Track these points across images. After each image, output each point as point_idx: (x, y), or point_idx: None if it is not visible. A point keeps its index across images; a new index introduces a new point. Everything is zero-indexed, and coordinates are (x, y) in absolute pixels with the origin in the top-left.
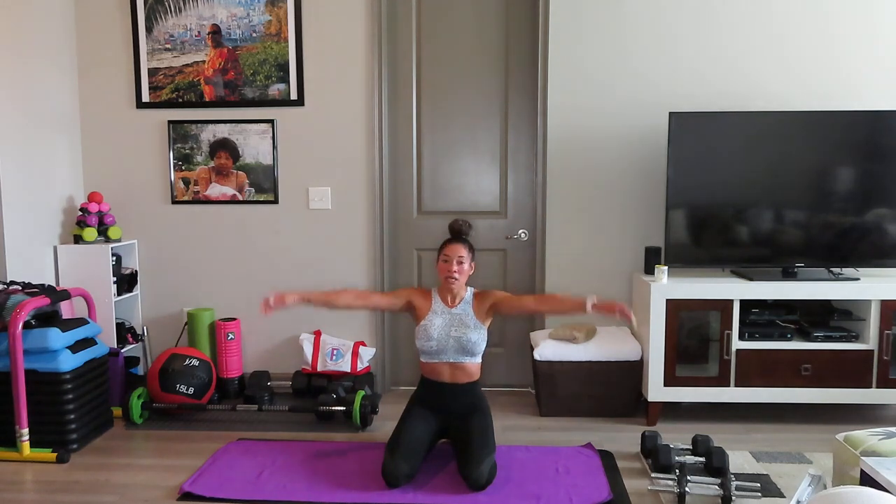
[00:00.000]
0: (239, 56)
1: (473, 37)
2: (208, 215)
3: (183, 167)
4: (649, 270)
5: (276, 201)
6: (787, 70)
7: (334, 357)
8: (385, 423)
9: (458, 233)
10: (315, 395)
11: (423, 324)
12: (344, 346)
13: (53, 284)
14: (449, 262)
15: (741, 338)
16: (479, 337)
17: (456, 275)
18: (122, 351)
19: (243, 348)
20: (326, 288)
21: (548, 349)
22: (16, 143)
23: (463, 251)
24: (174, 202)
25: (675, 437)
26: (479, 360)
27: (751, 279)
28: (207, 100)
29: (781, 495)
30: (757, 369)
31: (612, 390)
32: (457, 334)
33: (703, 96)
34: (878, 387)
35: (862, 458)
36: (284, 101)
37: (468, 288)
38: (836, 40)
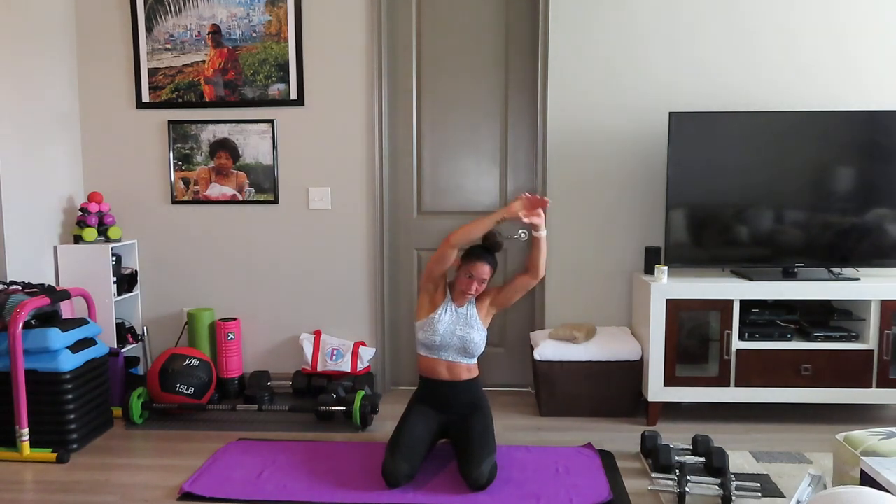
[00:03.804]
0: (239, 56)
1: (473, 37)
2: (208, 215)
3: (183, 167)
4: (649, 270)
5: (276, 201)
6: (795, 68)
7: (334, 357)
8: (385, 423)
9: (490, 250)
10: (315, 395)
11: (432, 317)
12: (344, 346)
13: (53, 284)
14: (472, 280)
15: (741, 338)
16: (480, 339)
17: (473, 292)
18: (122, 351)
19: (243, 348)
20: (326, 287)
21: (548, 349)
22: (16, 143)
23: (487, 273)
24: (174, 202)
25: (675, 437)
26: (474, 362)
27: (751, 279)
28: (207, 100)
29: (781, 495)
30: (757, 369)
31: (612, 390)
32: (461, 334)
33: (705, 96)
34: (878, 387)
35: (862, 458)
36: (284, 101)
37: None
38: (844, 39)
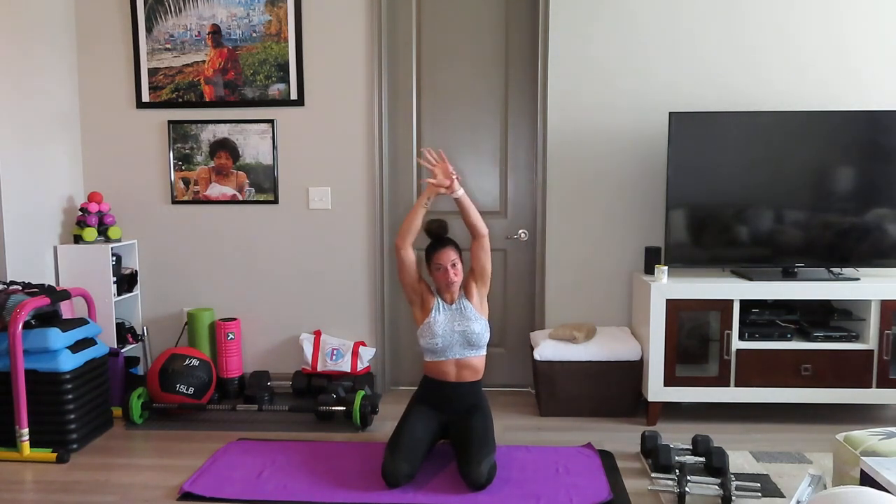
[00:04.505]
0: (239, 56)
1: (473, 37)
2: (208, 215)
3: (183, 167)
4: (649, 270)
5: (276, 201)
6: (795, 69)
7: (334, 357)
8: (385, 423)
9: (438, 236)
10: (315, 395)
11: (427, 322)
12: (344, 346)
13: (53, 284)
14: (443, 270)
15: (741, 338)
16: (481, 328)
17: (454, 279)
18: (122, 351)
19: (243, 348)
20: (326, 287)
21: (548, 349)
22: (16, 143)
23: (453, 254)
24: (174, 202)
25: (675, 437)
26: (484, 352)
27: (751, 279)
28: (207, 100)
29: (781, 495)
30: (757, 369)
31: (612, 390)
32: (461, 328)
33: (705, 96)
34: (878, 387)
35: (862, 458)
36: (284, 101)
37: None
38: (845, 39)
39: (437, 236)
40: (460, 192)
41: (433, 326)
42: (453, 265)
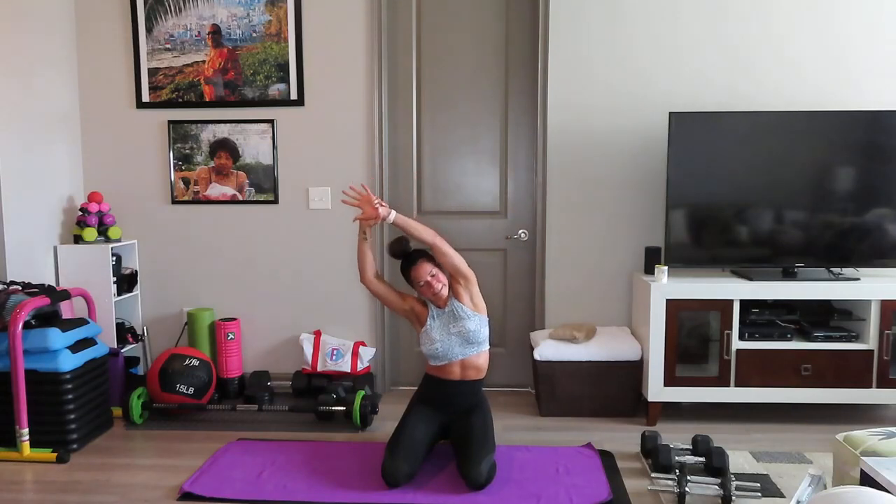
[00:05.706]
0: (239, 56)
1: (473, 37)
2: (208, 215)
3: (183, 167)
4: (649, 270)
5: (276, 201)
6: (792, 68)
7: (334, 357)
8: (385, 423)
9: (405, 254)
10: (315, 395)
11: (424, 329)
12: (344, 346)
13: (53, 284)
14: (425, 284)
15: (741, 338)
16: (476, 325)
17: (439, 287)
18: (122, 351)
19: (243, 348)
20: (326, 286)
21: (548, 349)
22: (16, 143)
23: (427, 266)
24: (174, 202)
25: (675, 437)
26: (485, 348)
27: (751, 279)
28: (207, 100)
29: (781, 495)
30: (757, 369)
31: (612, 390)
32: (456, 329)
33: (705, 95)
34: (878, 387)
35: (862, 458)
36: (284, 101)
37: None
38: (841, 38)
39: (403, 255)
40: (392, 216)
41: (431, 333)
42: (433, 275)
